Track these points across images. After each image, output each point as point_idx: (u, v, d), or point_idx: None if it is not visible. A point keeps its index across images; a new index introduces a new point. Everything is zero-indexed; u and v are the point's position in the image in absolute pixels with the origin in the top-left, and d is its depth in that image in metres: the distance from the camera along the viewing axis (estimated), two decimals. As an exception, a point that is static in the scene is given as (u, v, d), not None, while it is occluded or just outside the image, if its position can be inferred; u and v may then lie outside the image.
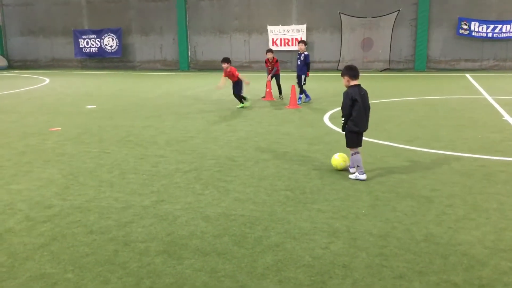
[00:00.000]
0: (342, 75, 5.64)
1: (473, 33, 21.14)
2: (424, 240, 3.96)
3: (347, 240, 3.98)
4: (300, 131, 8.65)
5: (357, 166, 5.62)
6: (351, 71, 5.57)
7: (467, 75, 19.20)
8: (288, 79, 15.48)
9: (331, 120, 9.63)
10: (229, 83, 11.62)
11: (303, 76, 12.06)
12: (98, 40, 26.15)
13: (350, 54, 22.94)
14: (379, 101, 12.12)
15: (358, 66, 5.94)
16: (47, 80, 20.10)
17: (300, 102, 12.03)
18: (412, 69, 22.26)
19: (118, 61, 26.53)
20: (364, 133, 5.69)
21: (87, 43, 26.42)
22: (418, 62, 22.08)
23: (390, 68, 22.52)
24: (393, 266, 3.52)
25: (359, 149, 5.68)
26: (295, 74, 12.80)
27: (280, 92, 12.96)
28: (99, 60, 26.98)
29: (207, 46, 24.96)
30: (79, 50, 26.66)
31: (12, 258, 3.76)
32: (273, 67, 12.81)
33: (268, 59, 12.92)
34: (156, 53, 26.02)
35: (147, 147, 7.47)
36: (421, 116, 9.99)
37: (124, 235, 4.15)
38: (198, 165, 6.40)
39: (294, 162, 6.44)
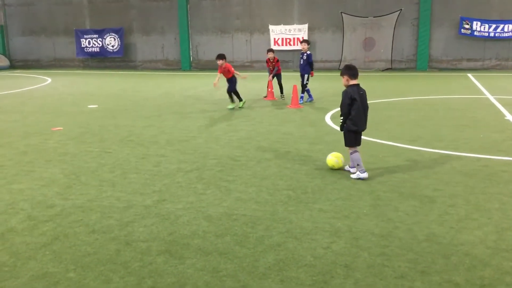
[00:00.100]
0: (342, 74, 5.75)
1: (475, 33, 21.09)
2: (426, 240, 3.96)
3: (349, 240, 3.98)
4: (301, 130, 8.65)
5: (357, 165, 5.63)
6: (350, 71, 5.66)
7: (469, 75, 19.16)
8: (290, 79, 15.48)
9: (332, 120, 9.62)
10: (223, 81, 11.39)
11: (305, 76, 12.08)
12: (100, 40, 26.16)
13: (352, 54, 22.87)
14: (381, 100, 12.08)
15: (359, 66, 5.98)
16: (49, 80, 20.12)
17: (302, 101, 12.03)
18: (414, 69, 22.22)
19: (120, 60, 26.54)
20: (365, 133, 5.69)
21: (89, 42, 26.44)
22: (420, 61, 22.04)
23: (391, 67, 22.47)
24: (395, 266, 3.52)
25: (357, 148, 5.70)
26: (296, 74, 12.80)
27: (281, 91, 12.98)
28: (101, 60, 27.00)
29: (209, 46, 24.95)
30: (81, 50, 26.67)
31: (14, 257, 3.77)
32: (274, 67, 12.81)
33: (269, 59, 12.91)
34: (157, 53, 26.03)
35: (148, 147, 7.48)
36: (423, 115, 9.98)
37: (126, 235, 4.15)
38: (200, 164, 6.40)
39: (296, 162, 6.45)
